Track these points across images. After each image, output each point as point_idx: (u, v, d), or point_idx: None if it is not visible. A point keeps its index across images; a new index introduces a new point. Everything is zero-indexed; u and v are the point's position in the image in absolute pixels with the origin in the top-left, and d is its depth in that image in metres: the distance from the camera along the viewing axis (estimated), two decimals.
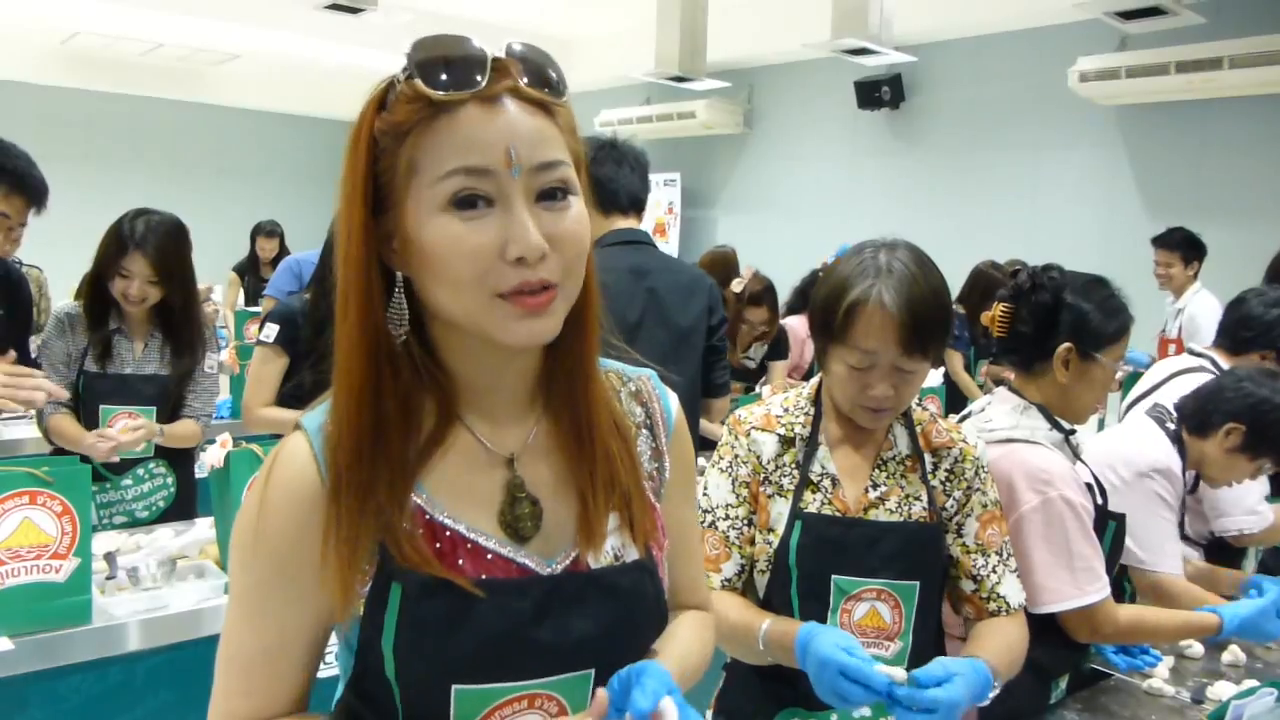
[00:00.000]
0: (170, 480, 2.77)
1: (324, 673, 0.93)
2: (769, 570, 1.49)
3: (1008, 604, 1.53)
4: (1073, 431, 1.82)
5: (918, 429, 1.56)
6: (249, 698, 0.88)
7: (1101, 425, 4.30)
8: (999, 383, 1.91)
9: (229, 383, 4.03)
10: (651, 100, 8.65)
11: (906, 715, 1.21)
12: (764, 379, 4.34)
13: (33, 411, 2.69)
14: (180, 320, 2.69)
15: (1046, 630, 1.68)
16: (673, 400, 1.04)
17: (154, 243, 2.54)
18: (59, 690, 1.84)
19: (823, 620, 1.45)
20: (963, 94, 6.98)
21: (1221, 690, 1.80)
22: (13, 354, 2.38)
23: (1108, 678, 1.89)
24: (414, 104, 0.81)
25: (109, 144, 10.07)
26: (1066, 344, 1.75)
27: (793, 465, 1.52)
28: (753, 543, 1.52)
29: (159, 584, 2.08)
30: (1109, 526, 1.80)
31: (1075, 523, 1.68)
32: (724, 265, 4.67)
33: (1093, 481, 1.84)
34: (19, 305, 2.70)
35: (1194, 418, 2.11)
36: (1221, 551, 2.37)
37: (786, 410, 1.56)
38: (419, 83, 0.80)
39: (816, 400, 1.56)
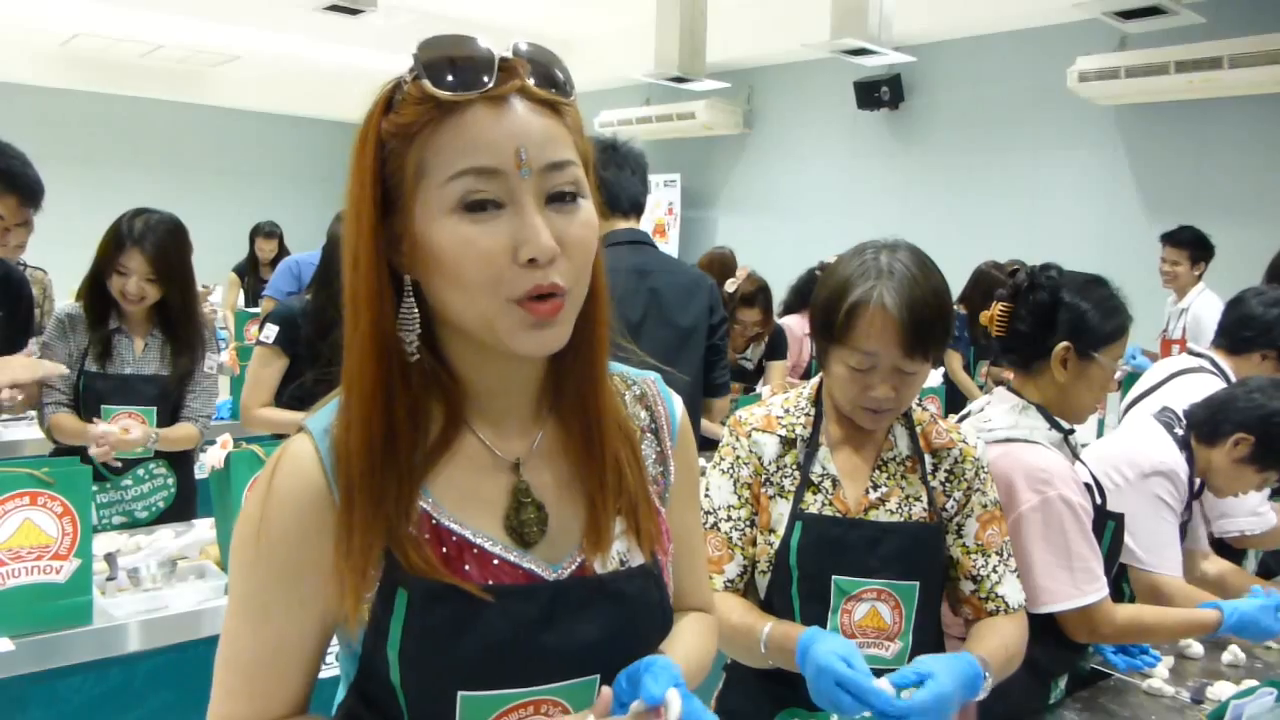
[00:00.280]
0: (170, 481, 2.77)
1: (324, 673, 0.92)
2: (770, 571, 1.49)
3: (1006, 604, 1.53)
4: (1072, 431, 1.82)
5: (918, 430, 1.56)
6: (250, 700, 0.87)
7: (1101, 426, 4.30)
8: (999, 383, 1.91)
9: (229, 384, 4.03)
10: (651, 101, 8.66)
11: None
12: (763, 379, 4.34)
13: (33, 412, 2.70)
14: (180, 319, 2.69)
15: (1045, 630, 1.68)
16: (677, 404, 1.04)
17: (152, 241, 2.54)
18: (59, 691, 1.84)
19: (823, 620, 1.46)
20: (962, 94, 6.98)
21: (1221, 690, 1.80)
22: (32, 348, 2.38)
23: (1107, 678, 1.89)
24: (421, 105, 0.80)
25: (109, 145, 10.08)
26: (1064, 343, 1.75)
27: (794, 466, 1.52)
28: (755, 544, 1.52)
29: (159, 585, 2.08)
30: (1108, 526, 1.80)
31: (1074, 523, 1.68)
32: (721, 266, 4.68)
33: (1092, 481, 1.84)
34: (19, 307, 2.71)
35: (1204, 426, 2.09)
36: (1221, 553, 2.37)
37: (787, 411, 1.57)
38: (426, 83, 0.80)
39: (817, 401, 1.57)
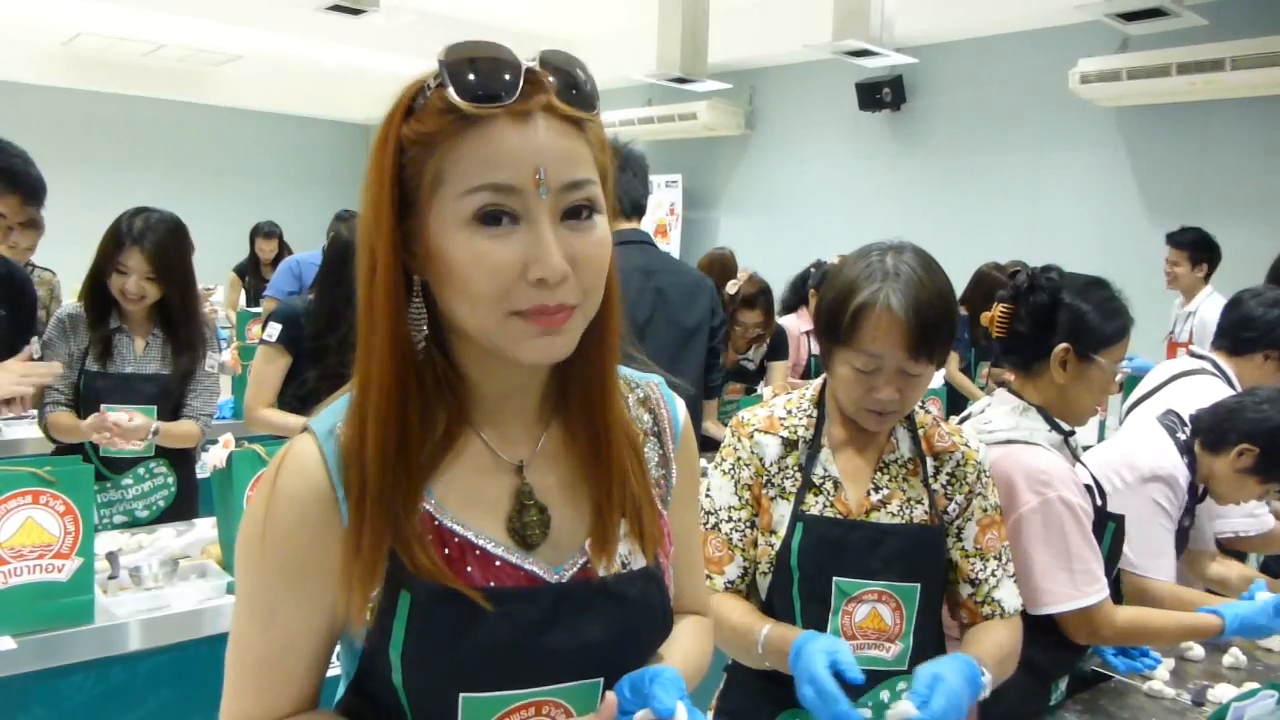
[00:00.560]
0: (171, 480, 2.77)
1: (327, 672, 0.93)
2: (771, 572, 1.50)
3: (1002, 609, 1.53)
4: (1072, 433, 1.82)
5: (920, 432, 1.56)
6: (260, 698, 0.88)
7: (1103, 428, 4.29)
8: (1000, 385, 1.91)
9: (231, 383, 4.03)
10: (653, 101, 8.65)
11: None
12: (764, 380, 4.34)
13: (34, 411, 2.70)
14: (180, 319, 2.69)
15: (1045, 631, 1.68)
16: (680, 407, 1.04)
17: (151, 239, 2.55)
18: (61, 689, 1.84)
19: (824, 621, 1.46)
20: (964, 95, 6.98)
21: (1222, 692, 1.80)
22: (31, 349, 2.38)
23: (1108, 679, 1.89)
24: (444, 115, 0.79)
25: (110, 145, 10.09)
26: (1064, 345, 1.75)
27: (795, 467, 1.52)
28: (755, 545, 1.52)
29: (161, 584, 2.08)
30: (1108, 528, 1.80)
31: (1074, 524, 1.68)
32: (722, 267, 4.67)
33: (1092, 483, 1.84)
34: (22, 307, 2.70)
35: (1209, 433, 2.08)
36: (1221, 554, 2.37)
37: (789, 412, 1.57)
38: (450, 92, 0.78)
39: (819, 403, 1.57)
